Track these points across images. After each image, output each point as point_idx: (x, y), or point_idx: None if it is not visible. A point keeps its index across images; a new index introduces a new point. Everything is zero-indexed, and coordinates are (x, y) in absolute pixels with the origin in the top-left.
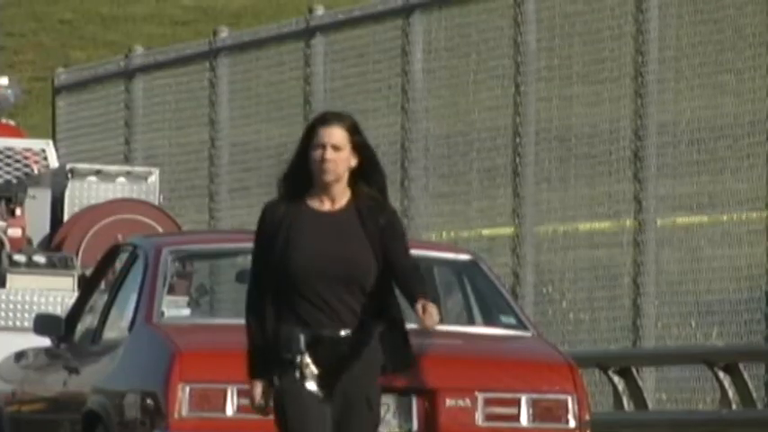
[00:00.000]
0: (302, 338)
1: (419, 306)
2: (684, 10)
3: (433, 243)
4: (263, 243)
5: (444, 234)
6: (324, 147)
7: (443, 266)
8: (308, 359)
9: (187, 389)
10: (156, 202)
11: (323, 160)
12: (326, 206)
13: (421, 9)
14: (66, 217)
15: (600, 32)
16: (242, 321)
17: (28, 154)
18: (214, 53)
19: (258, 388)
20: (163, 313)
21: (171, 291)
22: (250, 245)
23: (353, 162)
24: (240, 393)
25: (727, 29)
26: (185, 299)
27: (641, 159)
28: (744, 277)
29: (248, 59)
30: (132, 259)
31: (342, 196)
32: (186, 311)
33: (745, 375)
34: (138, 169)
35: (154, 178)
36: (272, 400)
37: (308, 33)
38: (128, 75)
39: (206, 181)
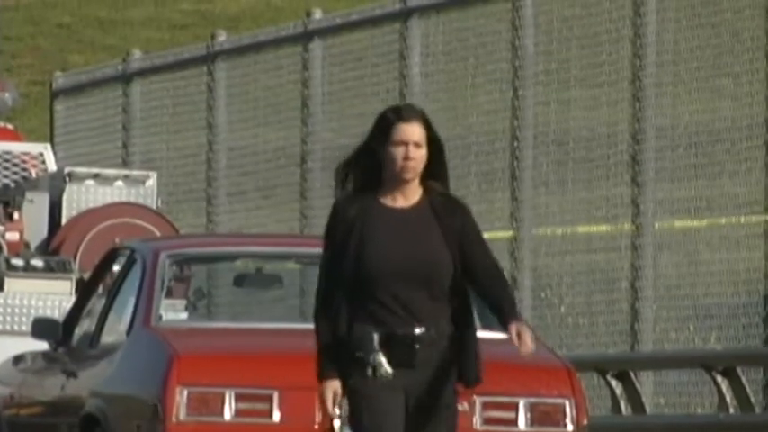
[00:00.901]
0: (376, 337)
1: (513, 332)
2: (682, 14)
3: None
4: (335, 242)
5: None
6: (406, 144)
7: None
8: (381, 358)
9: (185, 392)
10: (154, 206)
11: (407, 158)
12: (399, 203)
13: (419, 13)
14: (63, 221)
15: (598, 36)
16: (239, 325)
17: (26, 158)
18: (212, 57)
19: (329, 389)
20: (161, 317)
21: (169, 294)
22: (248, 248)
23: (426, 157)
24: (238, 397)
25: (725, 33)
26: (183, 302)
27: (639, 163)
28: (742, 281)
29: (246, 63)
30: (130, 263)
31: (414, 193)
32: (184, 315)
33: (743, 379)
34: (136, 173)
35: (151, 182)
36: (343, 401)
37: (305, 37)
38: (125, 79)
39: (204, 185)
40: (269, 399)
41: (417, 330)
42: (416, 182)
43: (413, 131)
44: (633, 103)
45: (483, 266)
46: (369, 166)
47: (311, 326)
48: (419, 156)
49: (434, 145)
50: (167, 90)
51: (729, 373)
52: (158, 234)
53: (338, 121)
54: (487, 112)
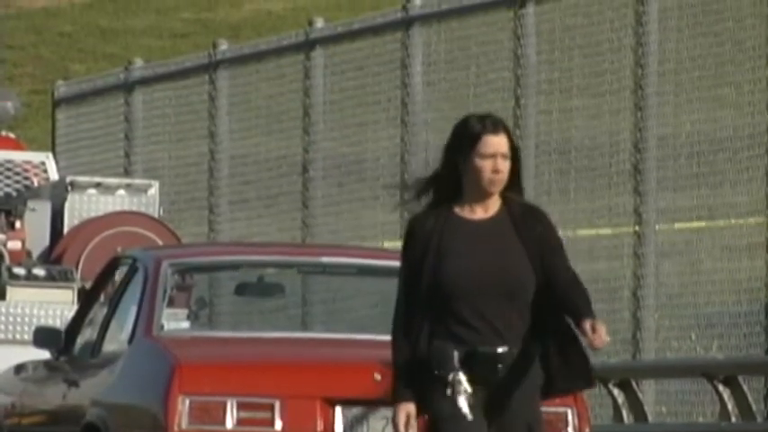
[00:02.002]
0: (456, 354)
1: (587, 325)
2: (684, 23)
3: None
4: (413, 258)
5: None
6: (494, 157)
7: None
8: (461, 376)
9: (187, 401)
10: (156, 215)
11: (496, 171)
12: (478, 214)
13: (420, 22)
14: (65, 229)
15: (600, 45)
16: (240, 334)
17: (28, 167)
18: (213, 66)
19: (402, 412)
20: (162, 326)
21: (170, 303)
22: (249, 257)
23: None
24: (239, 406)
25: (727, 42)
26: (185, 311)
27: (641, 172)
28: (743, 290)
29: (248, 72)
30: (132, 272)
31: (494, 204)
32: (186, 324)
33: (745, 388)
34: (138, 182)
35: (153, 191)
36: (413, 428)
37: (307, 46)
38: (127, 87)
39: (205, 193)
40: (270, 408)
41: (500, 349)
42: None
43: (501, 143)
44: (635, 111)
45: (564, 280)
46: (449, 178)
47: (312, 335)
48: (506, 168)
49: (515, 154)
50: (169, 99)
51: (731, 382)
52: (160, 243)
53: (340, 130)
54: None
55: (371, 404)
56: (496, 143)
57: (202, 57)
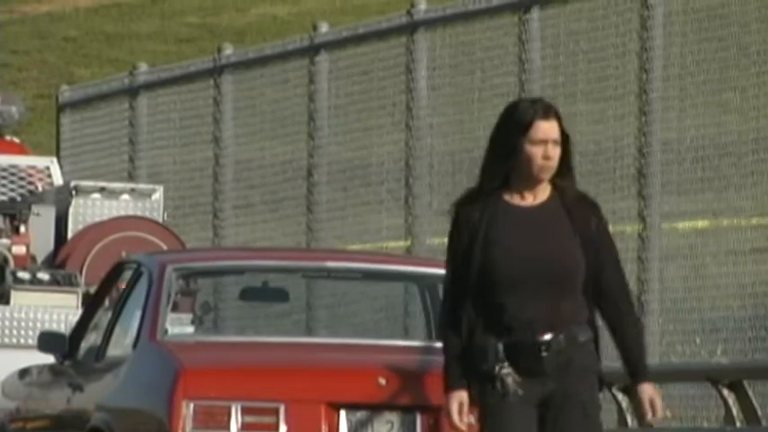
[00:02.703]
0: (500, 347)
1: (647, 401)
2: (689, 28)
3: (438, 260)
4: (460, 246)
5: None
6: (546, 143)
7: None
8: (508, 368)
9: (191, 406)
10: (161, 220)
11: (547, 157)
12: (528, 201)
13: (425, 26)
14: (70, 234)
15: (604, 50)
16: (245, 339)
17: (32, 171)
18: (218, 70)
19: (454, 401)
20: (167, 330)
21: (175, 308)
22: (254, 262)
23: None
24: (244, 411)
25: (732, 47)
26: (189, 316)
27: (646, 177)
28: (748, 294)
29: (252, 77)
30: (136, 276)
31: (544, 190)
32: (190, 329)
33: (750, 393)
34: (143, 186)
35: (158, 195)
36: (471, 415)
37: (312, 51)
38: (132, 92)
39: (210, 198)
40: (275, 412)
41: (546, 336)
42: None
43: (552, 129)
44: (640, 116)
45: (612, 282)
46: (499, 164)
47: (317, 339)
48: (557, 154)
49: (566, 140)
50: (174, 103)
51: (736, 387)
52: (164, 248)
53: (345, 135)
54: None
55: (376, 408)
56: (548, 129)
57: (207, 61)
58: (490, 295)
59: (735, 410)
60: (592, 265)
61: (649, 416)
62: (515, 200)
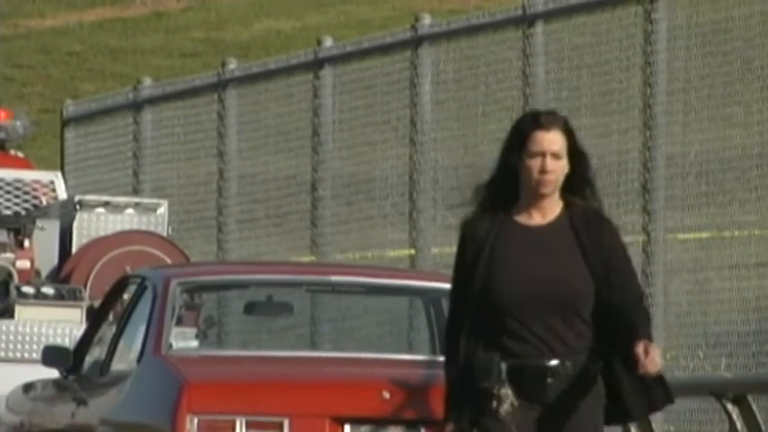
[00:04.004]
0: (504, 367)
1: (640, 347)
2: (693, 42)
3: (442, 274)
4: (463, 264)
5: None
6: (543, 155)
7: None
8: (508, 390)
9: (195, 420)
10: (165, 234)
11: (543, 171)
12: (536, 220)
13: (429, 41)
14: (74, 249)
15: (608, 64)
16: (250, 353)
17: (36, 186)
18: (222, 85)
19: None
20: (171, 345)
21: (179, 322)
22: (258, 276)
23: (567, 169)
24: (248, 425)
25: (736, 61)
26: (194, 330)
27: (650, 191)
28: (752, 309)
29: (257, 91)
30: (141, 291)
31: (553, 208)
32: (195, 343)
33: (754, 407)
34: (147, 201)
35: (162, 210)
36: None
37: (316, 65)
38: (136, 107)
39: (214, 212)
40: (279, 426)
41: (552, 362)
42: (556, 196)
43: (551, 140)
44: (644, 131)
45: (622, 293)
46: (504, 181)
47: (321, 353)
48: (558, 168)
49: (576, 155)
50: (178, 118)
51: (740, 401)
52: (169, 262)
53: (349, 149)
54: (498, 140)
55: (380, 422)
56: (545, 140)
57: (211, 76)
58: (493, 316)
59: (739, 425)
60: (602, 286)
61: (644, 363)
62: (523, 218)
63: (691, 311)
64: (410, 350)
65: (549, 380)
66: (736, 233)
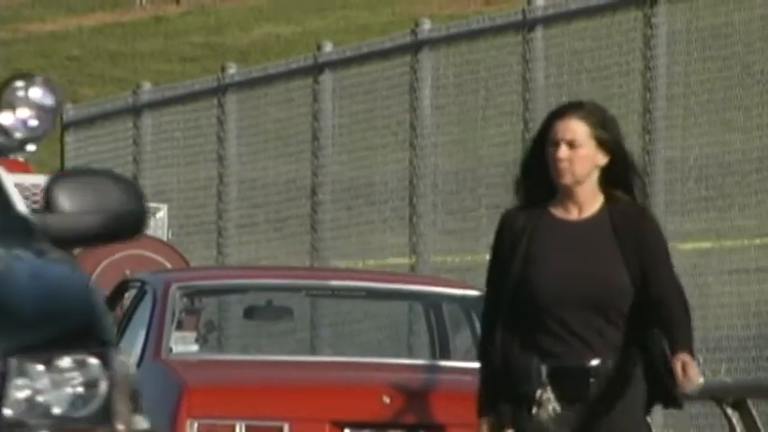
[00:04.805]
0: (544, 369)
1: (678, 363)
2: (692, 47)
3: (442, 279)
4: (499, 260)
5: (454, 264)
6: (557, 143)
7: (452, 303)
8: (549, 394)
9: (195, 425)
10: (165, 238)
11: (555, 159)
12: (573, 214)
13: (429, 45)
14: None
15: (608, 69)
16: (249, 357)
17: (36, 190)
18: (222, 89)
19: (485, 429)
20: (171, 349)
21: (179, 327)
22: (258, 281)
23: (602, 161)
24: (248, 429)
25: (736, 66)
26: (194, 335)
27: (649, 195)
28: (752, 314)
29: (256, 96)
30: (140, 295)
31: (591, 202)
32: (194, 347)
33: (754, 412)
34: (147, 205)
35: (162, 214)
36: None
37: (316, 70)
38: (136, 111)
39: (214, 217)
40: (279, 431)
41: (592, 362)
42: (591, 189)
43: (564, 128)
44: (643, 135)
45: (663, 294)
46: (538, 174)
47: (321, 358)
48: (576, 157)
49: (610, 146)
50: (178, 122)
51: (740, 406)
52: (169, 266)
53: (349, 154)
54: (498, 145)
55: (380, 427)
56: (559, 128)
57: (211, 80)
58: (530, 315)
59: (738, 429)
60: (639, 283)
61: (681, 383)
62: (560, 213)
63: (691, 316)
64: (410, 354)
65: (592, 380)
66: (736, 238)
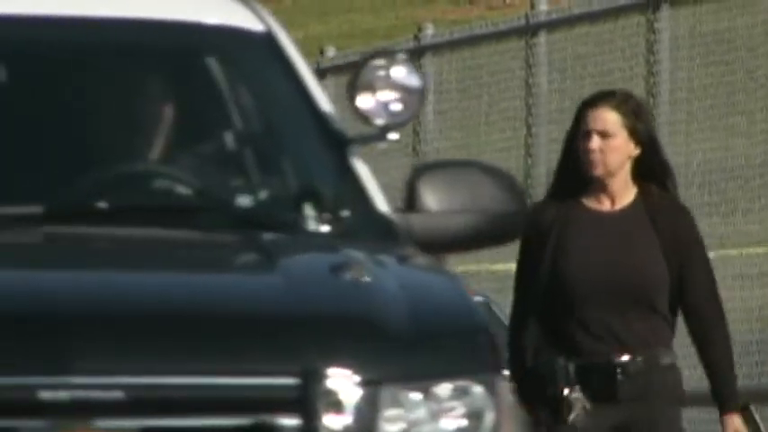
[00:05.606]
0: (572, 368)
1: (729, 424)
2: (695, 52)
3: None
4: (528, 252)
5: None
6: (589, 134)
7: None
8: (578, 393)
9: None
10: None
11: (585, 150)
12: (606, 206)
13: (432, 51)
14: None
15: (611, 74)
16: None
17: None
18: None
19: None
20: None
21: None
22: None
23: (634, 151)
24: None
25: (739, 71)
26: None
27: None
28: (755, 318)
29: None
30: None
31: (624, 194)
32: None
33: (757, 417)
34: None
35: None
36: None
37: (318, 75)
38: None
39: None
40: None
41: (623, 358)
42: (624, 180)
43: (595, 117)
44: None
45: (698, 297)
46: (569, 164)
47: None
48: (608, 147)
49: (641, 137)
50: None
51: (743, 411)
52: None
53: None
54: (501, 150)
55: None
56: (590, 117)
57: None
58: (560, 309)
59: None
60: (676, 278)
61: None
62: (592, 204)
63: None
64: None
65: (620, 377)
66: (740, 243)
